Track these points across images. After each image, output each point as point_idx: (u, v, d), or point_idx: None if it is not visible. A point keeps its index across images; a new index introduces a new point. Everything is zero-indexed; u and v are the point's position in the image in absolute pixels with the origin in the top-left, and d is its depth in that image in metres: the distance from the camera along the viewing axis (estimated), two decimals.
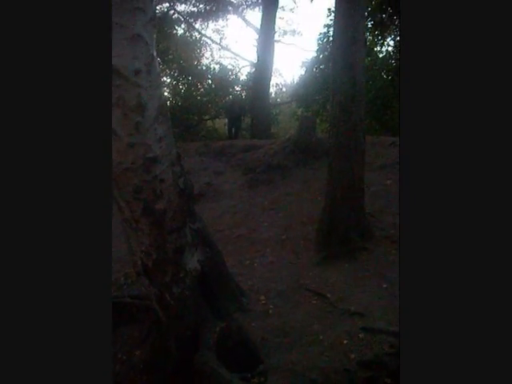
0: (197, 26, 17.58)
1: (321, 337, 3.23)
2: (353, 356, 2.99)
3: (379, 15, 11.33)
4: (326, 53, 12.93)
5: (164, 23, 15.19)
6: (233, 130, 12.66)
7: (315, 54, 14.40)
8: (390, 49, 13.70)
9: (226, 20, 18.01)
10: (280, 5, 15.55)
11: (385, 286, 3.92)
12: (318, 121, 11.67)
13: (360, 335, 3.23)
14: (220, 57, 18.70)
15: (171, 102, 15.93)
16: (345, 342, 3.16)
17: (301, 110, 15.28)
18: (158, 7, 15.42)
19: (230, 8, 17.19)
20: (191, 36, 17.77)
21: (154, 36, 2.45)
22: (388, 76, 12.79)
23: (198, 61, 17.52)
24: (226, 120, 13.40)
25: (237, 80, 17.39)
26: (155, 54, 2.45)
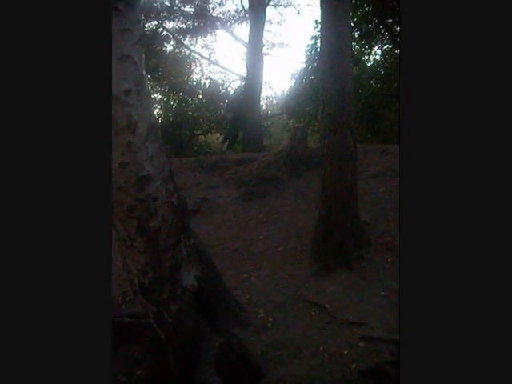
0: (186, 42, 17.82)
1: (321, 348, 3.22)
2: (354, 366, 2.99)
3: (365, 25, 11.49)
4: (315, 64, 13.07)
5: (153, 40, 15.32)
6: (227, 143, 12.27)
7: (304, 66, 14.55)
8: (377, 57, 13.88)
9: (215, 35, 18.26)
10: (267, 18, 15.76)
11: (383, 293, 3.92)
12: (309, 131, 11.75)
13: (360, 344, 3.23)
14: (210, 72, 18.90)
15: (163, 118, 16.00)
16: (345, 352, 3.16)
17: (292, 121, 15.37)
18: (146, 25, 15.58)
19: (218, 23, 17.41)
20: (180, 52, 17.94)
21: (143, 55, 2.47)
22: (377, 84, 12.93)
23: (188, 76, 17.65)
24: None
25: (227, 94, 17.51)
26: (144, 73, 2.47)
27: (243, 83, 15.74)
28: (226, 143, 12.50)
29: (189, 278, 2.82)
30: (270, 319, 3.70)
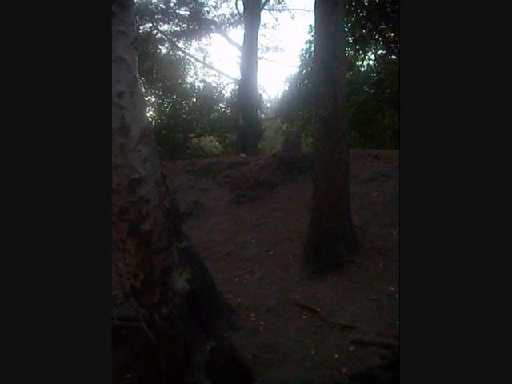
0: (180, 44, 17.81)
1: (312, 352, 3.23)
2: (344, 370, 2.99)
3: (359, 31, 11.56)
4: (309, 68, 13.12)
5: (148, 43, 15.31)
6: None
7: (298, 70, 14.60)
8: (371, 63, 13.97)
9: (209, 38, 18.24)
10: (262, 22, 15.80)
11: (374, 297, 3.94)
12: (303, 135, 11.78)
13: (351, 348, 3.24)
14: (204, 75, 18.87)
15: (156, 120, 15.98)
16: (336, 355, 3.16)
17: (285, 125, 15.40)
18: (141, 27, 15.57)
19: (213, 26, 17.41)
20: (175, 55, 17.93)
21: (137, 58, 2.48)
22: (370, 89, 13.00)
23: (183, 79, 17.63)
24: None
25: (221, 97, 17.53)
26: (138, 75, 2.48)
27: (237, 86, 15.75)
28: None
29: (180, 281, 2.82)
30: (262, 323, 3.70)
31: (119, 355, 3.32)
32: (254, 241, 5.73)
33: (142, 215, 2.49)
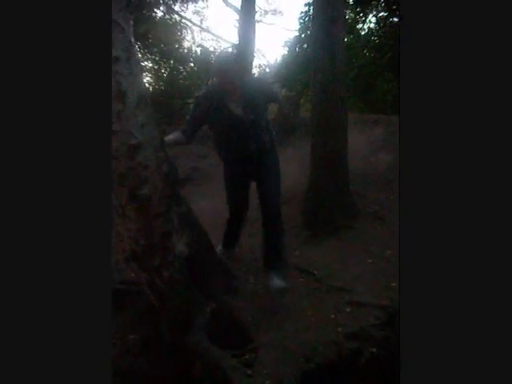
0: (176, 7, 17.31)
1: (309, 313, 3.32)
2: (340, 329, 3.09)
3: None
4: (308, 32, 12.85)
5: (142, 6, 14.91)
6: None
7: (297, 34, 14.32)
8: (371, 26, 13.67)
9: (206, 1, 17.76)
10: None
11: (370, 261, 4.01)
12: (302, 101, 11.66)
13: (347, 309, 3.33)
14: (201, 39, 18.49)
15: (154, 86, 15.76)
16: (332, 316, 3.26)
17: (284, 90, 15.20)
18: None
19: None
20: (171, 18, 17.48)
21: (131, 22, 2.44)
22: (370, 53, 12.77)
23: (179, 44, 17.28)
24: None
25: None
26: (133, 40, 2.45)
27: (235, 51, 15.46)
28: None
29: (180, 245, 2.86)
30: (260, 286, 3.78)
31: (123, 318, 3.41)
32: (252, 205, 5.76)
33: (140, 180, 2.51)
